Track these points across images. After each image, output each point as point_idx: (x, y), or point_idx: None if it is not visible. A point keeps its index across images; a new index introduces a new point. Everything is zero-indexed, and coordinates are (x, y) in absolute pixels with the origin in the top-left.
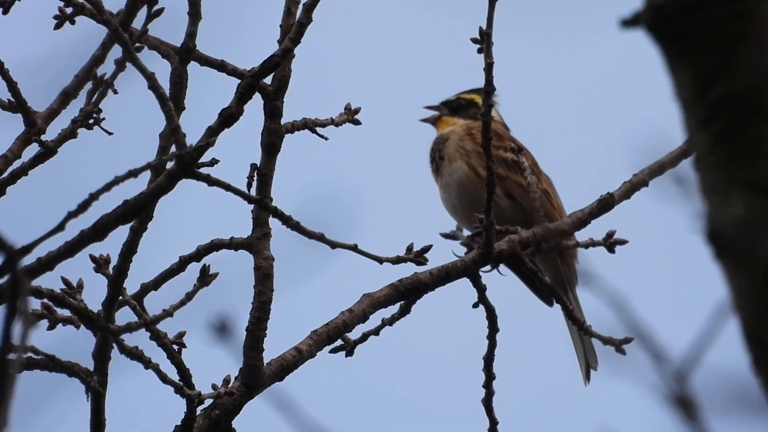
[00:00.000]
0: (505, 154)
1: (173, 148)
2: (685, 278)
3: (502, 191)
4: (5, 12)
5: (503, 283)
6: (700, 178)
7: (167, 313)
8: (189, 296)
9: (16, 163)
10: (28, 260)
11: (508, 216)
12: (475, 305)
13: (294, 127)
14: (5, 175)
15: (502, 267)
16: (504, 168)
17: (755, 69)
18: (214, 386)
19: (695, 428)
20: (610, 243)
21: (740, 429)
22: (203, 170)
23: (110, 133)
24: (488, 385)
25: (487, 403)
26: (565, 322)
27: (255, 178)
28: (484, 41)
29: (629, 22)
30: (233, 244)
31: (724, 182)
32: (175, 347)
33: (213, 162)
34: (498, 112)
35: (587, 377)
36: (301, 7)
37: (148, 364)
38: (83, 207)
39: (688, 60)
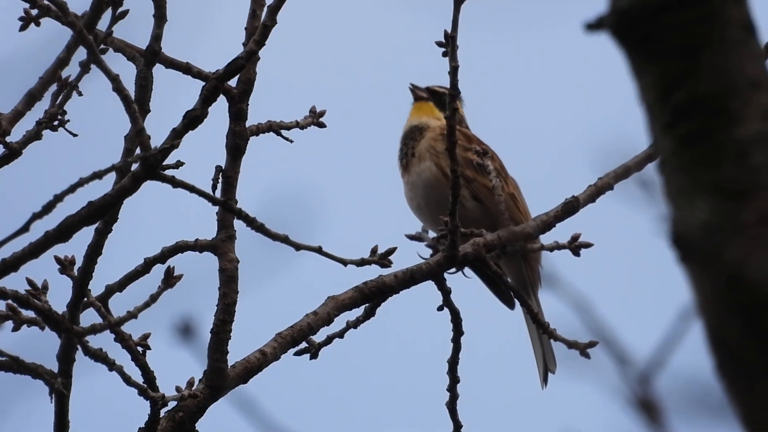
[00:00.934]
0: (473, 156)
1: (138, 150)
2: (650, 282)
3: (469, 193)
4: None
5: (468, 286)
6: (664, 181)
7: (132, 315)
8: (153, 298)
9: None
10: None
11: (475, 218)
12: (440, 308)
13: (259, 129)
14: None
15: (467, 270)
16: (472, 170)
17: (720, 73)
18: (178, 388)
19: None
20: (575, 246)
21: None
22: (168, 172)
23: (75, 135)
24: (452, 389)
25: (452, 406)
26: (526, 326)
27: (220, 180)
28: (449, 44)
29: (594, 26)
30: (198, 246)
31: (689, 186)
32: (140, 349)
33: (178, 164)
34: (464, 115)
35: (545, 380)
36: (266, 9)
37: (112, 365)
38: (48, 208)
39: (653, 64)
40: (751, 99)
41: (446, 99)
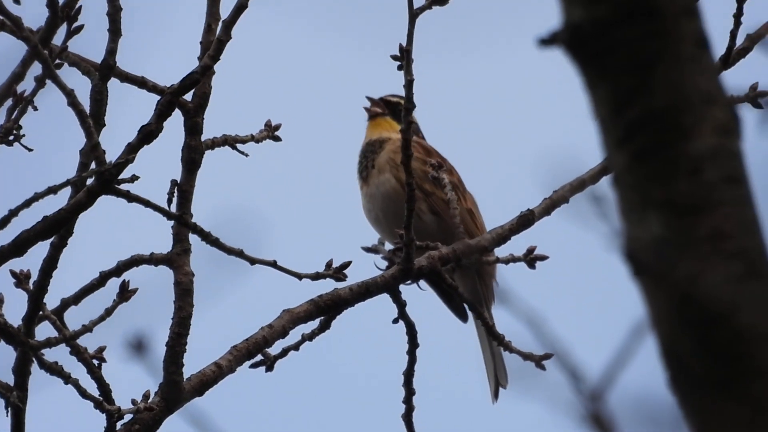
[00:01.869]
0: (429, 170)
1: (93, 165)
2: (604, 296)
3: (427, 207)
4: None
5: (423, 299)
6: (617, 197)
7: (87, 329)
8: (108, 312)
9: None
10: None
11: (432, 232)
12: (395, 321)
13: (214, 143)
14: None
15: (422, 282)
16: (430, 184)
17: (673, 88)
18: (133, 401)
19: None
20: (531, 259)
21: None
22: (123, 186)
23: (30, 150)
24: (408, 401)
25: (407, 418)
26: (478, 338)
27: (175, 195)
28: (404, 58)
29: (547, 41)
30: (153, 260)
31: (642, 201)
32: (95, 362)
33: (133, 178)
34: (419, 129)
35: (495, 395)
36: (221, 24)
37: (67, 379)
38: (3, 223)
39: (606, 79)
40: (705, 114)
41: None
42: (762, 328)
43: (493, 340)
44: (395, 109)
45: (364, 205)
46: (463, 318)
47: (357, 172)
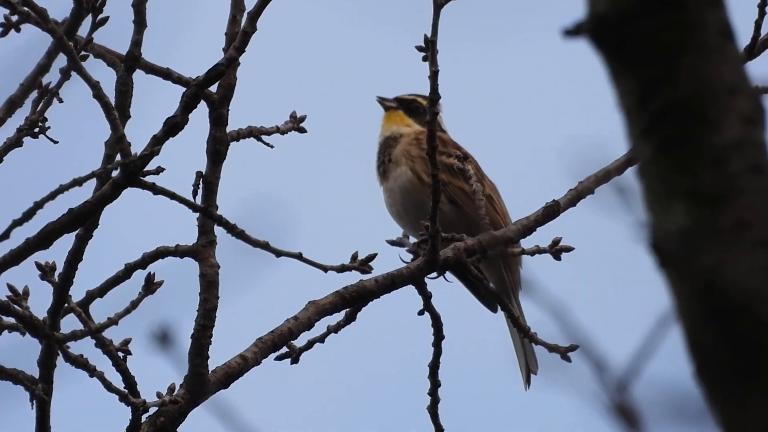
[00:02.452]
0: (448, 160)
1: (118, 157)
2: (629, 287)
3: (445, 197)
4: None
5: (449, 291)
6: (642, 187)
7: (112, 321)
8: (134, 304)
9: None
10: None
11: (451, 221)
12: (421, 312)
13: (239, 135)
14: None
15: (448, 274)
16: (447, 174)
17: (698, 78)
18: (158, 394)
19: None
20: (556, 250)
21: None
22: (148, 178)
23: (55, 142)
24: (434, 393)
25: (433, 410)
26: (507, 329)
27: (200, 186)
28: (429, 49)
29: (572, 32)
30: (178, 252)
31: (666, 192)
32: (121, 355)
33: (158, 170)
34: (441, 120)
35: (527, 382)
36: (245, 15)
37: (93, 371)
38: (28, 215)
39: (630, 69)
40: (729, 105)
41: (417, 106)
42: None
43: (518, 332)
44: (409, 106)
45: (386, 201)
46: (493, 308)
47: (376, 170)
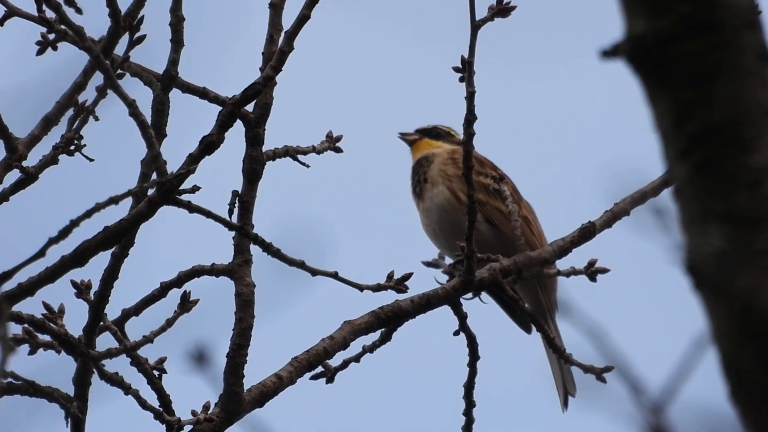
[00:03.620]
0: (485, 181)
1: (154, 175)
2: (665, 309)
3: (482, 217)
4: None
5: (484, 311)
6: (679, 209)
7: (148, 339)
8: (169, 322)
9: None
10: (8, 286)
11: (488, 241)
12: (456, 333)
13: (275, 154)
14: None
15: (483, 295)
16: (484, 194)
17: (733, 101)
18: (193, 412)
19: None
20: (592, 272)
21: None
22: (184, 197)
23: (91, 160)
24: (468, 413)
25: (467, 430)
26: (544, 350)
27: (236, 205)
28: (466, 70)
29: (609, 53)
30: (214, 271)
31: (702, 214)
32: (156, 373)
33: (194, 189)
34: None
35: (565, 403)
36: (283, 35)
37: (128, 389)
38: (64, 233)
39: (667, 91)
40: (765, 127)
41: (438, 131)
42: None
43: (553, 353)
44: (431, 133)
45: (422, 221)
46: (527, 329)
47: (411, 191)
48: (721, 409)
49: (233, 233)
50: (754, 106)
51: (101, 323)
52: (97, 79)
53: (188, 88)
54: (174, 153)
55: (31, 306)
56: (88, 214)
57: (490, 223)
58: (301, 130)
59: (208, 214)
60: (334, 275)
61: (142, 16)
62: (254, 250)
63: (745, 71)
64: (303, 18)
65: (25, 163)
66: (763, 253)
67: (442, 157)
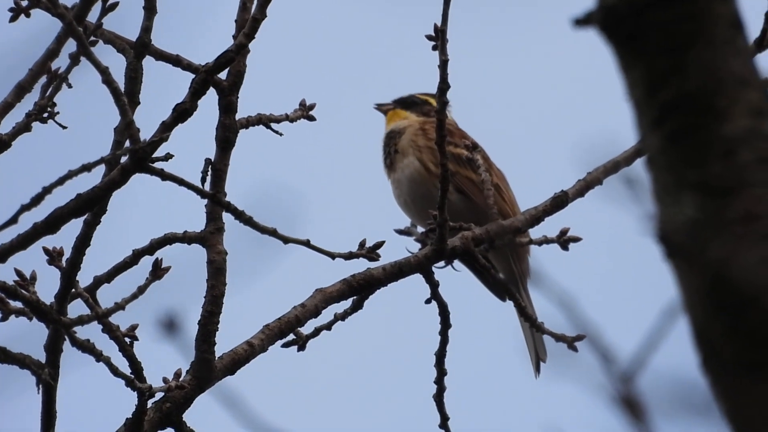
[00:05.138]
0: (456, 150)
1: (127, 143)
2: (636, 278)
3: (453, 186)
4: None
5: (456, 280)
6: (651, 178)
7: (119, 306)
8: (141, 289)
9: None
10: None
11: (459, 210)
12: (428, 301)
13: (249, 122)
14: None
15: (456, 263)
16: (454, 163)
17: (707, 70)
18: (165, 380)
19: (642, 429)
20: (564, 240)
21: (686, 430)
22: (157, 165)
23: (64, 127)
24: (440, 381)
25: (439, 399)
26: (516, 318)
27: (209, 173)
28: (439, 38)
29: (582, 22)
30: (186, 238)
31: (676, 183)
32: (127, 340)
33: (167, 157)
34: (450, 110)
35: (537, 370)
36: (256, 2)
37: (99, 356)
38: (36, 200)
39: (640, 60)
40: (738, 96)
41: (414, 100)
42: None
43: (525, 321)
44: (405, 102)
45: (393, 192)
46: (502, 297)
47: (382, 162)
48: (691, 378)
49: (206, 201)
50: (728, 75)
51: (73, 290)
52: (70, 46)
53: (161, 56)
54: (147, 121)
55: (2, 273)
56: (60, 181)
57: (461, 193)
58: (275, 98)
59: (181, 182)
60: (306, 243)
61: None
62: (226, 217)
63: (718, 40)
64: None
65: None
66: (735, 222)
67: (413, 128)
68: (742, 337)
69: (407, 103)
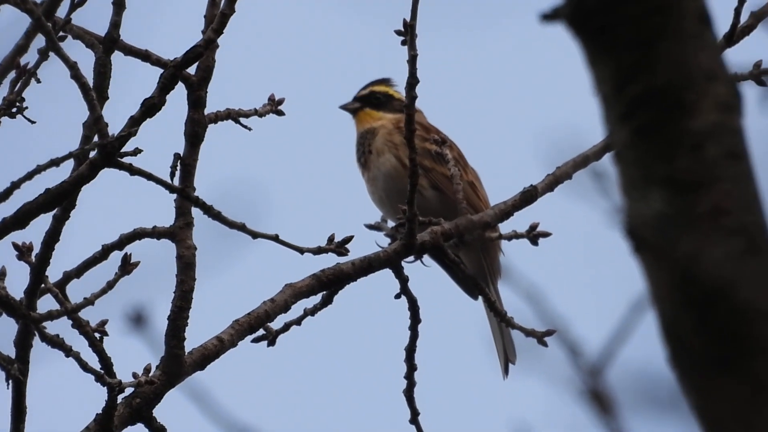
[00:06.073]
0: (431, 146)
1: (96, 138)
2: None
3: (428, 183)
4: None
5: (426, 275)
6: (619, 173)
7: (88, 302)
8: (110, 285)
9: None
10: None
11: (434, 208)
12: (398, 296)
13: (217, 117)
14: None
15: (426, 258)
16: (430, 160)
17: (675, 64)
18: (134, 375)
19: (610, 423)
20: (534, 235)
21: (654, 424)
22: (126, 159)
23: (33, 122)
24: (410, 376)
25: (409, 394)
26: (486, 314)
27: (178, 168)
28: (408, 33)
29: (549, 17)
30: (156, 233)
31: (643, 177)
32: (97, 335)
33: (136, 151)
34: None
35: (506, 371)
36: None
37: (69, 352)
38: (5, 195)
39: (608, 55)
40: (707, 91)
41: (378, 96)
42: (761, 305)
43: (495, 316)
44: (370, 100)
45: (368, 189)
46: (474, 295)
47: (356, 162)
48: (659, 372)
49: (175, 196)
50: (696, 70)
51: (42, 285)
52: (39, 41)
53: (130, 51)
54: (116, 115)
55: None
56: (29, 176)
57: (436, 189)
58: (244, 93)
59: (150, 177)
60: (275, 238)
61: None
62: (196, 212)
63: (687, 35)
64: None
65: None
66: (703, 218)
67: (387, 128)
68: (710, 331)
69: (373, 100)
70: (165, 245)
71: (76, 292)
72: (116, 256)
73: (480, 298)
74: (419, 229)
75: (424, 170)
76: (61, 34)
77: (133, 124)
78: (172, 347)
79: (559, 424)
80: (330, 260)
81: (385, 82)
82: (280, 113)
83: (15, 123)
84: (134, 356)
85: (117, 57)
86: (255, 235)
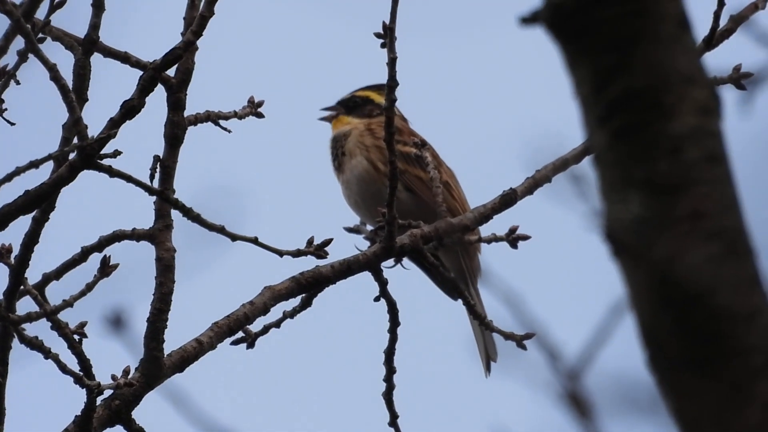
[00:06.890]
0: (404, 149)
1: (75, 140)
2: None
3: (401, 185)
4: None
5: (405, 278)
6: (598, 176)
7: (67, 304)
8: (89, 287)
9: None
10: None
11: (409, 209)
12: (377, 299)
13: (197, 119)
14: None
15: (406, 261)
16: (402, 162)
17: (654, 67)
18: (113, 377)
19: (589, 427)
20: (513, 238)
21: (633, 427)
22: (105, 161)
23: (12, 124)
24: (389, 379)
25: (388, 396)
26: (467, 316)
27: (158, 170)
28: (388, 36)
29: (528, 20)
30: (135, 235)
31: (622, 180)
32: (76, 337)
33: (115, 153)
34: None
35: (488, 369)
36: (204, 0)
37: (48, 353)
38: None
39: (587, 57)
40: (685, 94)
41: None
42: (738, 308)
43: (474, 319)
44: (347, 104)
45: (343, 192)
46: (452, 295)
47: (331, 165)
48: (638, 375)
49: (154, 198)
50: (674, 73)
51: (21, 287)
52: (18, 43)
53: (110, 53)
54: (95, 117)
55: None
56: (8, 177)
57: (409, 191)
58: (223, 95)
59: (129, 179)
60: (254, 240)
61: None
62: (175, 215)
63: (665, 38)
64: None
65: None
66: (682, 221)
67: (359, 130)
68: (688, 334)
69: (350, 106)
70: (144, 247)
71: (55, 294)
72: (95, 258)
73: (458, 298)
74: (399, 232)
75: (398, 172)
76: (40, 35)
77: (113, 126)
78: (151, 349)
79: (538, 428)
80: (309, 263)
81: (377, 88)
82: (260, 115)
83: None
84: (113, 358)
85: (96, 59)
86: (234, 237)
